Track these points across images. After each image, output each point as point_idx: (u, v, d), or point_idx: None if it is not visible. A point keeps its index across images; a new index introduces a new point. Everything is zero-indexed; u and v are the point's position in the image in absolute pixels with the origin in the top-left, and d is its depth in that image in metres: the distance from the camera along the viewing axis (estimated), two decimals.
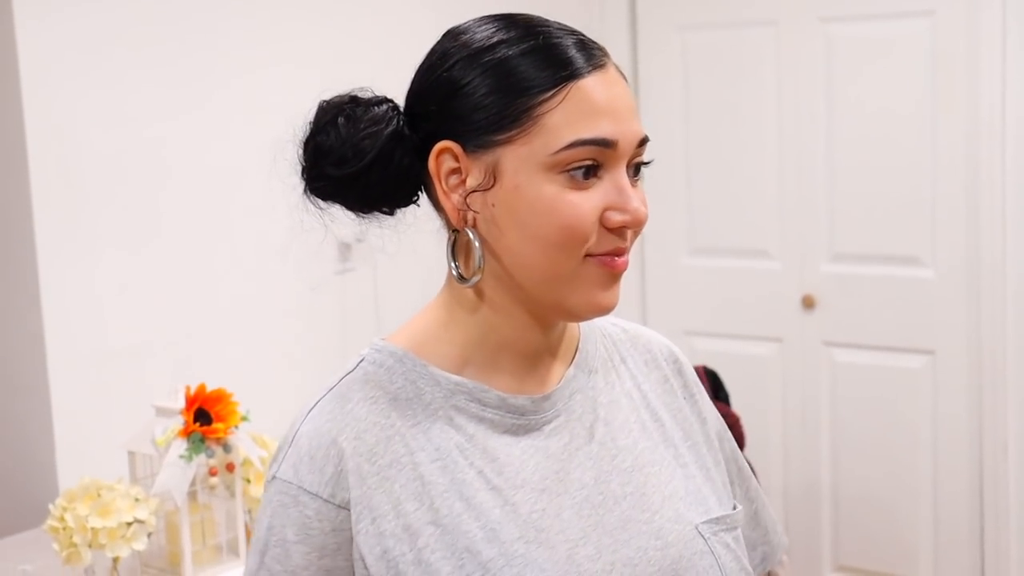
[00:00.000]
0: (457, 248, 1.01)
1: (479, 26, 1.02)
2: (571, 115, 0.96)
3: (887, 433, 3.10)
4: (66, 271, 2.39)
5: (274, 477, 1.01)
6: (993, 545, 2.97)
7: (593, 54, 1.00)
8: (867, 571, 3.17)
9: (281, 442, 1.02)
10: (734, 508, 1.09)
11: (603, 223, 0.97)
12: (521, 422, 1.02)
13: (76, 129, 2.39)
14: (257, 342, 2.73)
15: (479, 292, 1.02)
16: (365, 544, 0.98)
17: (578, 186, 0.96)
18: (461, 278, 1.00)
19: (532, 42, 0.98)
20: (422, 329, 1.05)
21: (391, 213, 1.04)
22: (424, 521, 0.98)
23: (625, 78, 1.02)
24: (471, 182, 0.98)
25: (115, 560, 2.02)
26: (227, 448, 2.11)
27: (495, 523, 0.98)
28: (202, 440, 2.09)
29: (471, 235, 0.99)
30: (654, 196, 3.31)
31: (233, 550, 2.14)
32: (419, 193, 1.04)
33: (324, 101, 1.03)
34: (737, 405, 2.88)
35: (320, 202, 1.02)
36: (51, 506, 1.98)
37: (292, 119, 1.10)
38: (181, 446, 2.06)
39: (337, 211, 1.04)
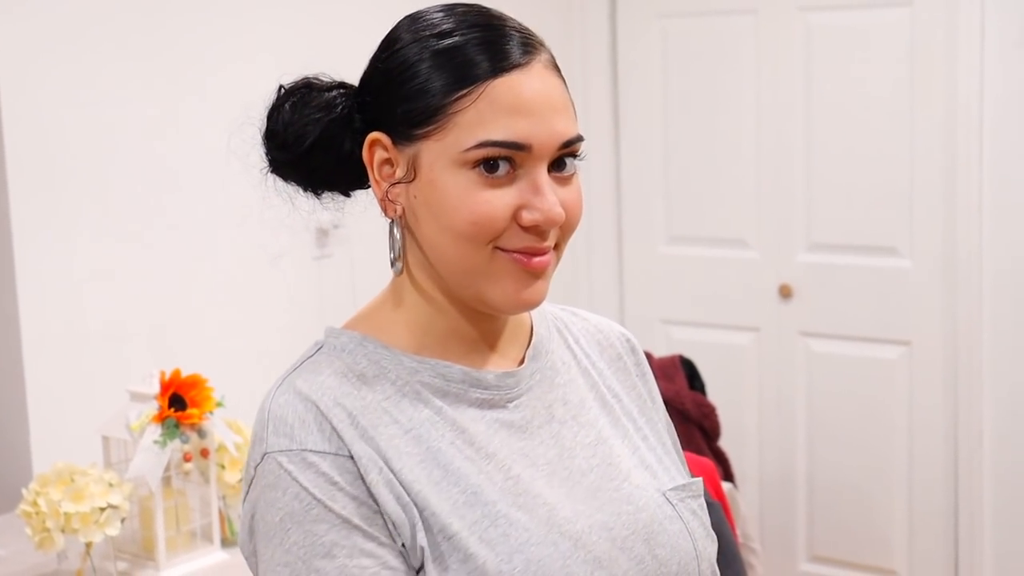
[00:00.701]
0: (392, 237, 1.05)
1: (422, 16, 1.04)
2: (484, 114, 0.98)
3: (863, 423, 3.15)
4: (42, 255, 2.42)
5: (265, 455, 0.99)
6: (968, 535, 3.03)
7: (526, 50, 1.01)
8: (842, 561, 3.22)
9: (256, 428, 1.02)
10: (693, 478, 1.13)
11: (517, 220, 0.99)
12: (485, 396, 1.04)
13: (52, 115, 2.42)
14: (234, 328, 2.77)
15: (415, 282, 1.05)
16: (381, 492, 0.98)
17: (491, 183, 0.98)
18: (392, 264, 1.05)
19: (457, 38, 1.00)
20: (375, 315, 1.07)
21: (346, 194, 1.08)
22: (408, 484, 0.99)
23: (560, 75, 1.03)
24: (398, 174, 1.02)
25: (88, 545, 2.02)
26: (202, 434, 2.11)
27: (475, 487, 1.00)
28: (176, 426, 2.10)
29: (393, 225, 1.03)
30: (632, 184, 3.44)
31: (207, 536, 2.15)
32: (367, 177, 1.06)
33: (281, 84, 1.06)
34: (713, 394, 2.92)
35: (280, 181, 1.06)
36: (24, 491, 1.99)
37: (255, 102, 1.13)
38: (155, 431, 2.06)
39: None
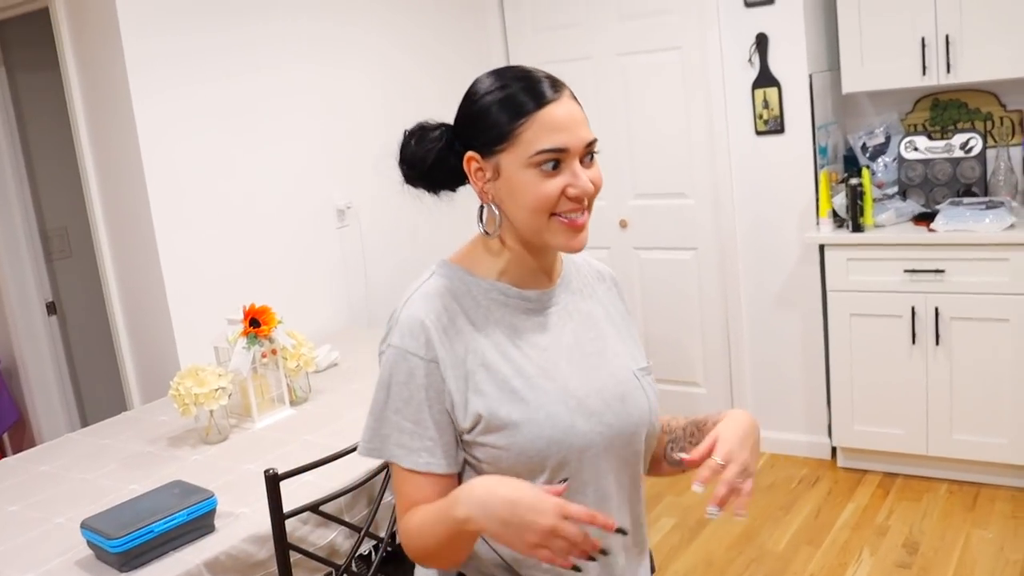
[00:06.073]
0: (485, 214, 1.49)
1: (487, 79, 1.47)
2: (538, 132, 1.41)
3: (672, 298, 4.83)
4: (174, 245, 3.38)
5: (389, 345, 1.47)
6: (737, 358, 4.70)
7: (554, 87, 1.44)
8: (664, 379, 4.90)
9: (389, 325, 1.48)
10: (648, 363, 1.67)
11: (565, 195, 1.42)
12: (532, 306, 1.52)
13: (182, 161, 3.45)
14: (289, 276, 3.87)
15: (503, 238, 1.50)
16: (451, 383, 1.45)
17: (548, 175, 1.42)
18: (486, 232, 1.49)
19: (515, 86, 1.44)
20: (472, 255, 1.53)
21: (453, 190, 1.53)
22: (476, 365, 1.46)
23: (577, 100, 1.46)
24: (487, 176, 1.46)
25: (211, 412, 2.77)
26: (271, 340, 2.89)
27: (519, 366, 1.47)
28: (255, 337, 2.82)
29: (492, 207, 1.48)
30: None
31: (281, 400, 2.95)
32: (466, 180, 1.51)
33: (406, 129, 1.51)
34: None
35: (412, 188, 1.52)
36: (171, 382, 2.78)
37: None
38: (243, 342, 2.80)
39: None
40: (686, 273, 4.93)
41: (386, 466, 2.52)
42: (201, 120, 3.63)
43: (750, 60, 4.47)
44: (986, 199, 4.25)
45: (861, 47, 4.26)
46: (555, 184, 1.43)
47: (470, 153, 1.48)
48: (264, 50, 3.91)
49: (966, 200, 4.27)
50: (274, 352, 2.93)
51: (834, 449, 4.64)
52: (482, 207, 1.51)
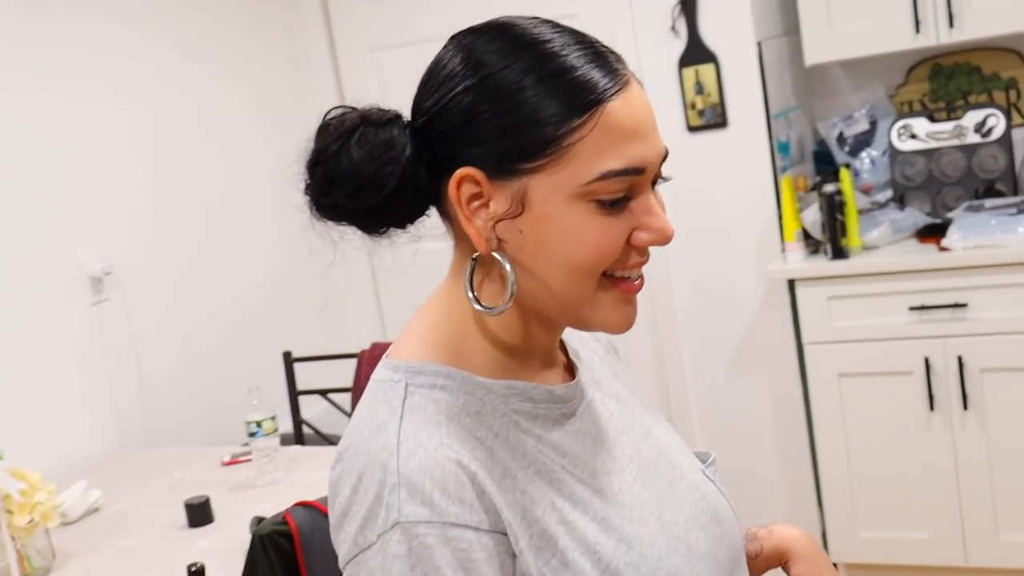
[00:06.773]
0: (475, 271, 1.04)
1: (490, 42, 1.01)
2: (601, 143, 0.97)
3: None
4: None
5: (397, 523, 0.95)
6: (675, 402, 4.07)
7: (615, 70, 0.99)
8: None
9: (377, 489, 0.97)
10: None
11: (631, 241, 1.00)
12: (564, 410, 1.08)
13: None
14: (10, 380, 3.10)
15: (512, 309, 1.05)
16: (531, 559, 0.99)
17: (608, 212, 0.99)
18: (482, 306, 1.03)
19: (552, 64, 0.98)
20: (451, 341, 1.06)
21: (403, 228, 1.05)
22: (555, 523, 1.01)
23: (642, 85, 1.03)
24: (496, 208, 1.00)
25: None
26: None
27: (601, 513, 1.04)
28: None
29: (502, 260, 1.01)
30: None
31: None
32: (430, 206, 1.05)
33: (330, 121, 1.02)
34: None
35: (331, 223, 1.03)
36: None
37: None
38: None
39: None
40: None
41: None
42: None
43: (674, 28, 3.81)
44: (1017, 199, 3.60)
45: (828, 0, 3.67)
46: (621, 226, 0.99)
47: (465, 170, 0.98)
48: None
49: (989, 203, 3.66)
50: None
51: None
52: (474, 260, 1.03)
